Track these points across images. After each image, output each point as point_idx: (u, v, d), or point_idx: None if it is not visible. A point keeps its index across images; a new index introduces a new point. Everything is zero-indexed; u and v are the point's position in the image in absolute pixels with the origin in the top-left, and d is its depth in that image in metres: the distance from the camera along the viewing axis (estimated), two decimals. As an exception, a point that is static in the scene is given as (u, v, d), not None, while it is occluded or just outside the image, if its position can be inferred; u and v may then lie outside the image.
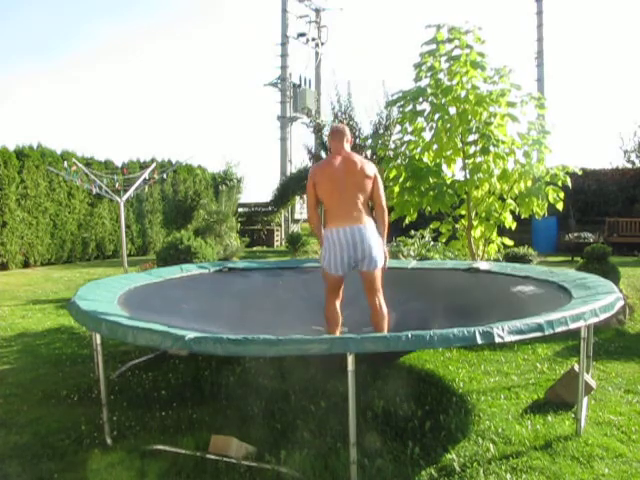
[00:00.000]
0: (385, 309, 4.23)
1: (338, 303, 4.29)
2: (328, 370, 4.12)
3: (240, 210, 19.28)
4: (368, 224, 4.14)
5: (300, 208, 22.57)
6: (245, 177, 19.23)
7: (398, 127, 8.42)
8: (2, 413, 3.91)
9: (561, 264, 10.69)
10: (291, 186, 19.56)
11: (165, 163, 16.92)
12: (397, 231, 9.92)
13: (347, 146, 4.29)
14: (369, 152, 15.71)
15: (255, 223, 20.19)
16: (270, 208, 20.49)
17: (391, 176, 7.72)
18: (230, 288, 5.54)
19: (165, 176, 14.00)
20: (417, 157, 7.61)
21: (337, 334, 4.21)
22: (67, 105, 77.91)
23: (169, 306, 4.61)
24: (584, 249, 7.35)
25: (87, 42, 78.04)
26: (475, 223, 7.78)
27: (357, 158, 4.23)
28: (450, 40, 7.36)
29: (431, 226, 8.59)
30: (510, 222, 7.70)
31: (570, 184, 7.57)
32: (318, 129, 17.89)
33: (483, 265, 5.75)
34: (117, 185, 10.21)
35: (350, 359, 2.73)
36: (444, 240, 8.40)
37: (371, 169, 4.21)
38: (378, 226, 4.22)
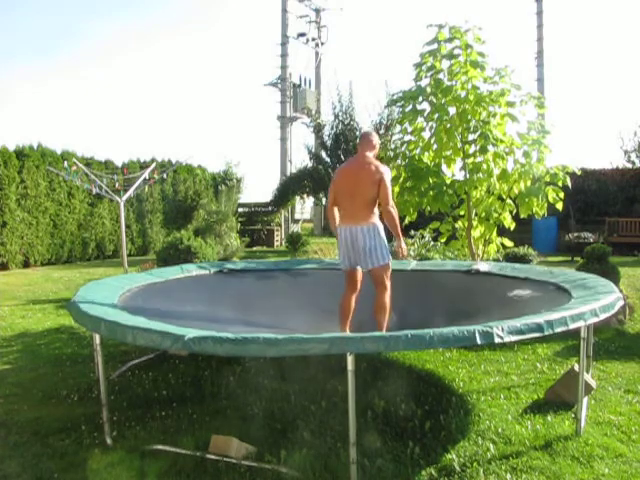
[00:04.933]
0: (386, 304, 4.46)
1: (353, 296, 4.59)
2: (328, 369, 4.12)
3: (240, 210, 19.25)
4: (369, 225, 4.40)
5: (300, 208, 22.52)
6: (245, 177, 19.18)
7: (399, 127, 8.42)
8: (2, 413, 3.91)
9: (561, 264, 10.68)
10: (291, 186, 19.51)
11: (165, 163, 16.89)
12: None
13: (370, 153, 4.56)
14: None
15: (255, 223, 20.19)
16: (270, 208, 20.48)
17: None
18: (232, 289, 5.53)
19: (165, 176, 13.97)
20: (417, 157, 7.61)
21: (347, 324, 4.51)
22: (67, 105, 78.07)
23: (171, 306, 4.60)
24: (584, 249, 7.35)
25: (87, 41, 78.15)
26: (475, 223, 7.77)
27: (369, 165, 4.46)
28: (451, 40, 7.36)
29: (431, 226, 8.58)
30: (509, 222, 7.69)
31: (570, 184, 7.56)
32: (318, 129, 17.90)
33: (483, 266, 5.74)
34: (117, 185, 10.19)
35: (350, 359, 2.73)
36: (444, 240, 8.39)
37: (378, 174, 4.42)
38: (388, 226, 4.50)
